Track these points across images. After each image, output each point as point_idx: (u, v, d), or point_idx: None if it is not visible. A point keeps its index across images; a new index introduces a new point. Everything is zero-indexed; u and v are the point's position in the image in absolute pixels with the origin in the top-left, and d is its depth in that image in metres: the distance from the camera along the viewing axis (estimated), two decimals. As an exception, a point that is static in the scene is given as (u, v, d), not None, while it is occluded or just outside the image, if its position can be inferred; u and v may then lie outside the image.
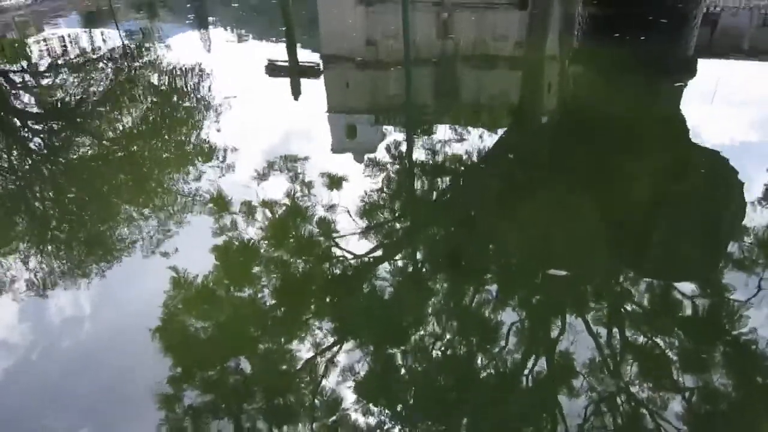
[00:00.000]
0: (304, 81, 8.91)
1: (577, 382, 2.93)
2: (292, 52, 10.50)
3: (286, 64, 9.73)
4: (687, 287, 3.55)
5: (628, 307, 3.49)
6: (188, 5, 17.24)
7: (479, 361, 3.13)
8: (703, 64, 8.46)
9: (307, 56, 10.36)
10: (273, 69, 9.28)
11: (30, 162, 6.27)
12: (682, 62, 8.65)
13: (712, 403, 2.81)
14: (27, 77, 9.85)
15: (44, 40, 12.60)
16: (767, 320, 3.24)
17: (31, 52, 11.54)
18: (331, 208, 4.73)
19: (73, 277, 4.06)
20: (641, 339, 3.21)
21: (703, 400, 2.82)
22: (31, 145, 6.70)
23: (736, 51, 9.48)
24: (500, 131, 6.50)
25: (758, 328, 3.19)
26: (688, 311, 3.39)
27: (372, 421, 2.84)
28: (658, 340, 3.17)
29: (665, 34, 9.59)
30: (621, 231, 4.29)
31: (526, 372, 3.03)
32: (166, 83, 8.84)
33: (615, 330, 3.28)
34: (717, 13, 11.59)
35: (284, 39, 11.98)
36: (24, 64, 10.60)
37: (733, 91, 7.17)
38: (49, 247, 4.52)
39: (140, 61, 10.36)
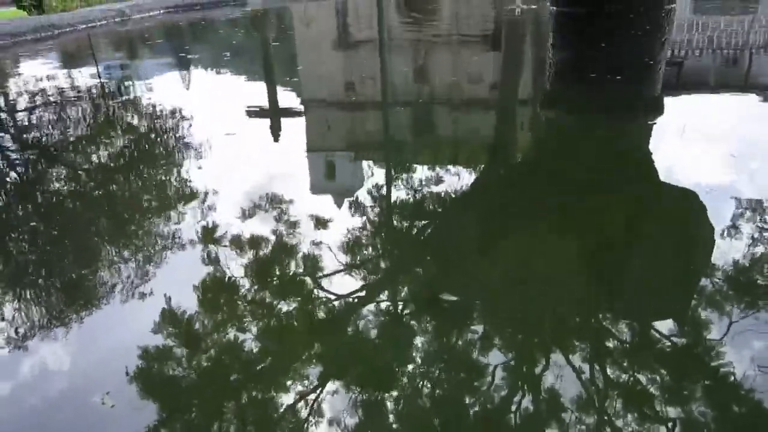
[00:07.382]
0: (285, 123, 9.04)
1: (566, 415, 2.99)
2: (272, 98, 10.69)
3: (266, 109, 9.89)
4: (661, 325, 3.66)
5: (604, 345, 3.58)
6: (169, 45, 17.42)
7: (467, 399, 3.17)
8: (671, 102, 8.87)
9: (288, 101, 10.53)
10: (252, 114, 9.42)
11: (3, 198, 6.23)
12: (649, 102, 9.03)
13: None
14: (2, 115, 9.81)
15: (20, 76, 12.60)
16: (741, 357, 3.35)
17: (6, 88, 11.52)
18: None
19: (48, 322, 4.01)
20: (620, 376, 3.29)
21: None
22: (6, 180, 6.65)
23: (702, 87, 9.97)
24: (475, 171, 6.67)
25: (731, 364, 3.29)
26: (664, 348, 3.49)
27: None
28: (639, 376, 3.25)
29: (631, 78, 10.04)
30: (594, 270, 4.43)
31: (513, 409, 3.09)
32: (145, 125, 8.88)
33: (595, 368, 3.36)
34: (681, 58, 12.14)
35: (265, 83, 12.17)
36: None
37: (700, 125, 7.53)
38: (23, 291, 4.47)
39: (120, 100, 10.40)
